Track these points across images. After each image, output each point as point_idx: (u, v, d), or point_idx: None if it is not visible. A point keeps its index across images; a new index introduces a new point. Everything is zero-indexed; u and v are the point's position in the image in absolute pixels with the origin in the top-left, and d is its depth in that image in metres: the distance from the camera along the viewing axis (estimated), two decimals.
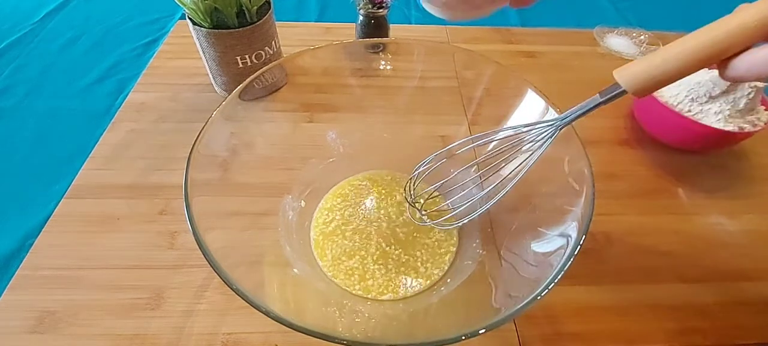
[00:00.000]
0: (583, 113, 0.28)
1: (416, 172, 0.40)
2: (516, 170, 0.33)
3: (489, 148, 0.40)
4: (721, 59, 0.22)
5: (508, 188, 0.33)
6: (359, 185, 0.46)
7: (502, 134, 0.38)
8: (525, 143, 0.33)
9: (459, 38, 0.71)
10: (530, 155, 0.32)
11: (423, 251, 0.40)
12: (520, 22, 0.79)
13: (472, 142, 0.38)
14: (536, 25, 0.77)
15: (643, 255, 0.42)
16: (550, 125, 0.30)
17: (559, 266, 0.27)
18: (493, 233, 0.40)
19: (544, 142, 0.31)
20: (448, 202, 0.41)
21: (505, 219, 0.40)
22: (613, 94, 0.26)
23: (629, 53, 0.68)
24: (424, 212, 0.41)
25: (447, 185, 0.39)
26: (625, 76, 0.25)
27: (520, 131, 0.34)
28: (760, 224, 0.45)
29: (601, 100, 0.27)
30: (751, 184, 0.49)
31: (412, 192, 0.40)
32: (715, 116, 0.46)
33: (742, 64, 0.21)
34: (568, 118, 0.29)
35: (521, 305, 0.25)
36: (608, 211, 0.45)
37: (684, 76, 0.23)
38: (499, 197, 0.36)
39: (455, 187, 0.41)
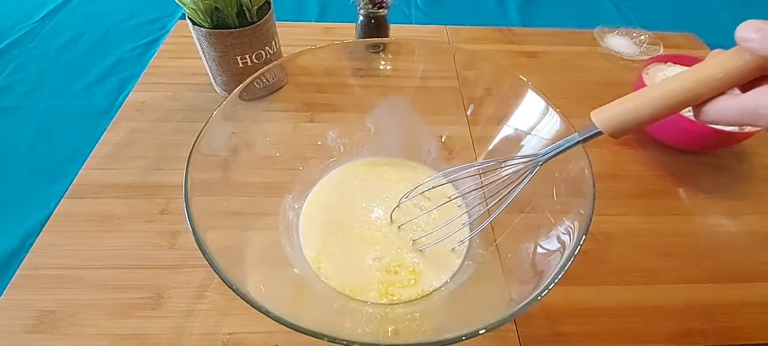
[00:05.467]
0: (562, 151, 0.29)
1: (402, 199, 0.41)
2: (496, 203, 0.34)
3: (470, 182, 0.41)
4: (692, 105, 0.23)
5: (487, 222, 0.35)
6: (359, 181, 0.46)
7: (483, 167, 0.39)
8: (505, 179, 0.34)
9: (459, 38, 0.71)
10: (512, 189, 0.32)
11: (431, 253, 0.39)
12: (521, 22, 0.79)
13: (451, 176, 0.39)
14: (537, 25, 0.77)
15: (643, 255, 0.42)
16: (530, 161, 0.31)
17: (559, 265, 0.27)
18: (493, 233, 0.40)
19: (525, 177, 0.31)
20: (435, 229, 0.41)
21: (506, 219, 0.40)
22: (591, 134, 0.27)
23: (629, 53, 0.68)
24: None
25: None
26: (601, 118, 0.26)
27: (500, 165, 0.35)
28: (760, 225, 0.45)
29: (579, 139, 0.28)
30: (751, 184, 0.49)
31: (392, 219, 0.42)
32: None
33: (714, 109, 0.22)
34: (547, 155, 0.30)
35: (521, 305, 0.25)
36: (609, 211, 0.45)
37: (657, 120, 0.24)
38: (480, 229, 0.38)
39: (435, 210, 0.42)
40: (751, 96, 0.21)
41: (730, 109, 0.22)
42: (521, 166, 0.32)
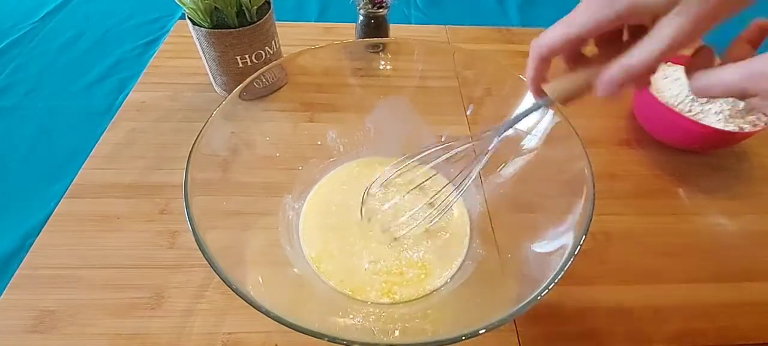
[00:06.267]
0: (518, 119, 0.30)
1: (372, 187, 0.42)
2: (464, 179, 0.35)
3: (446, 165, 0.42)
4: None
5: (455, 198, 0.36)
6: (359, 181, 0.45)
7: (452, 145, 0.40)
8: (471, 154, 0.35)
9: (459, 38, 0.71)
10: (477, 162, 0.34)
11: (429, 254, 0.39)
12: (521, 22, 0.79)
13: (416, 159, 0.41)
14: (537, 25, 0.77)
15: (643, 255, 0.42)
16: (492, 133, 0.32)
17: (560, 265, 0.27)
18: (493, 234, 0.40)
19: (490, 148, 0.33)
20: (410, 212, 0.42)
21: (506, 219, 0.40)
22: (541, 103, 0.28)
23: None
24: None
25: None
26: (551, 87, 0.27)
27: (463, 145, 0.37)
28: (760, 225, 0.45)
29: (531, 108, 0.29)
30: (751, 184, 0.49)
31: (363, 208, 0.42)
32: (715, 116, 0.46)
33: (710, 76, 0.21)
34: (507, 126, 0.31)
35: (521, 305, 0.25)
36: (608, 211, 0.45)
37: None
38: (448, 206, 0.39)
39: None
40: (752, 61, 0.20)
41: (728, 76, 0.20)
42: (485, 141, 0.33)
